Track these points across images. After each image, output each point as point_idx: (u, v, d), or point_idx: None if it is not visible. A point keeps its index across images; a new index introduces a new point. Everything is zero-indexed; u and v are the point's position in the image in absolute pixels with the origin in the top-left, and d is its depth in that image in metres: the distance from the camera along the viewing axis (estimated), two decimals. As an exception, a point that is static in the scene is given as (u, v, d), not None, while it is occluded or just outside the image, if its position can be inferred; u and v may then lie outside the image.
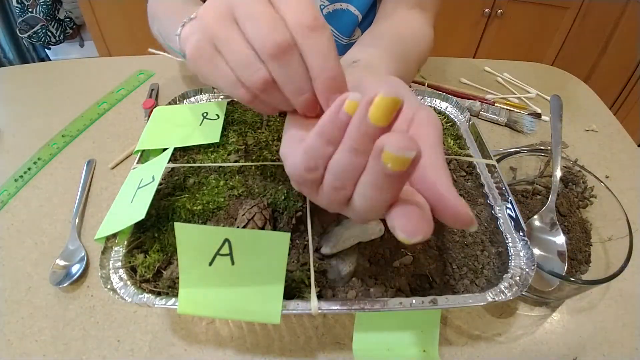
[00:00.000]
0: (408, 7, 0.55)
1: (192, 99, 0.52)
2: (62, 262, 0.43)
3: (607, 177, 0.56)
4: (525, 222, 0.39)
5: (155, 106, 0.61)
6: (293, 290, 0.34)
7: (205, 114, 0.46)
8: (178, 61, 0.75)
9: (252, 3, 0.25)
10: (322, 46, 0.25)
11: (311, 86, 0.26)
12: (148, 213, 0.34)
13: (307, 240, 0.36)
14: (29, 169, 0.54)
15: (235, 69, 0.26)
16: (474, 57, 0.84)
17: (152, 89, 0.66)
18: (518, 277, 0.34)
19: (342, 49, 0.72)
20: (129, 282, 0.33)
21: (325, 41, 0.25)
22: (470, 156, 0.46)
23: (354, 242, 0.36)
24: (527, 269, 0.35)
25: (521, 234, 0.37)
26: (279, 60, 0.25)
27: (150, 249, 0.37)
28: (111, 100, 0.66)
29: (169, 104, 0.50)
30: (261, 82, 0.26)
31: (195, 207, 0.39)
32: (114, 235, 0.36)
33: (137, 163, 0.43)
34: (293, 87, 0.26)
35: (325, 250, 0.37)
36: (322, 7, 0.66)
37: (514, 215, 0.39)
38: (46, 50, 1.93)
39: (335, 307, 0.32)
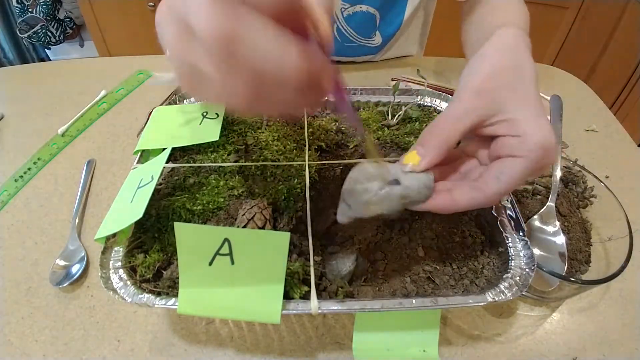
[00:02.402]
0: None
1: (192, 99, 0.52)
2: (62, 262, 0.43)
3: (607, 177, 0.56)
4: (525, 222, 0.39)
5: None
6: (293, 290, 0.34)
7: (205, 114, 0.46)
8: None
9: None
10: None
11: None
12: (148, 213, 0.34)
13: (308, 240, 0.36)
14: (29, 168, 0.54)
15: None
16: (474, 57, 0.84)
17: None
18: (518, 277, 0.34)
19: (359, 48, 0.73)
20: (129, 282, 0.33)
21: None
22: (470, 156, 0.46)
23: (376, 212, 0.30)
24: (527, 269, 0.35)
25: (521, 234, 0.37)
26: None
27: (150, 249, 0.37)
28: (111, 100, 0.66)
29: (169, 104, 0.50)
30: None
31: (195, 207, 0.39)
32: (114, 235, 0.36)
33: (137, 163, 0.43)
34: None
35: (341, 218, 0.32)
36: (342, 9, 0.67)
37: (514, 215, 0.39)
38: (46, 50, 1.93)
39: (335, 307, 0.32)
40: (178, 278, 0.32)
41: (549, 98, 0.68)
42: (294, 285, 0.33)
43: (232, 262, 0.30)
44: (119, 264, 0.35)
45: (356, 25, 0.69)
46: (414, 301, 0.32)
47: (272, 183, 0.41)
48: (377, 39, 0.73)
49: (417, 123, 0.49)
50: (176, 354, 0.37)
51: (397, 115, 0.50)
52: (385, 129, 0.49)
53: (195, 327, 0.39)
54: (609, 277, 0.37)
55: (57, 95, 0.67)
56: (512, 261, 0.36)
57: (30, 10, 1.64)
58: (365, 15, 0.68)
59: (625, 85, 1.58)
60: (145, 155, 0.44)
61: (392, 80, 0.72)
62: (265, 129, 0.47)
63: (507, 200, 0.40)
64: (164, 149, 0.42)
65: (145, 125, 0.47)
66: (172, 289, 0.34)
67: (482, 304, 0.33)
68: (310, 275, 0.33)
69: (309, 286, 0.33)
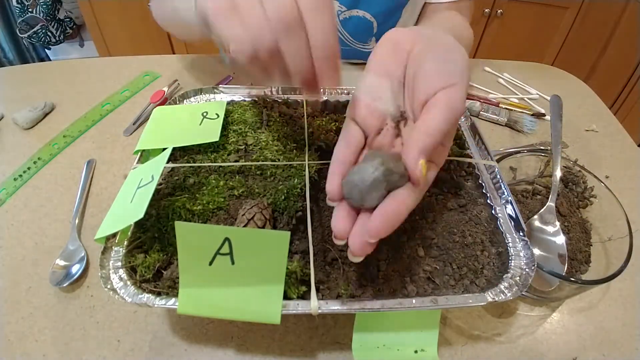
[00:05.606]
0: (448, 9, 0.65)
1: (192, 99, 0.52)
2: (62, 262, 0.43)
3: (607, 177, 0.56)
4: (525, 222, 0.39)
5: (163, 102, 0.61)
6: (291, 290, 0.34)
7: (205, 114, 0.46)
8: (183, 62, 0.75)
9: None
10: (324, 24, 0.28)
11: (310, 61, 0.29)
12: (148, 213, 0.34)
13: (308, 240, 0.36)
14: (29, 168, 0.54)
15: (249, 31, 0.29)
16: (474, 57, 0.84)
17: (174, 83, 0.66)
18: (518, 277, 0.34)
19: (355, 53, 0.73)
20: (129, 282, 0.33)
21: (327, 19, 0.28)
22: (470, 156, 0.46)
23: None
24: (527, 269, 0.35)
25: (521, 234, 0.37)
26: (286, 34, 0.28)
27: (150, 249, 0.37)
28: (115, 101, 0.65)
29: (169, 104, 0.50)
30: (267, 49, 0.29)
31: (195, 207, 0.39)
32: (114, 235, 0.36)
33: (137, 163, 0.43)
34: (295, 59, 0.29)
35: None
36: (339, 12, 0.68)
37: (514, 215, 0.39)
38: (46, 50, 1.93)
39: (335, 307, 0.32)
40: (178, 278, 0.32)
41: (549, 98, 0.68)
42: (292, 285, 0.33)
43: (232, 262, 0.30)
44: (119, 264, 0.35)
45: (353, 30, 0.70)
46: (414, 301, 0.32)
47: (272, 183, 0.41)
48: (373, 45, 0.73)
49: (417, 123, 0.49)
50: (176, 354, 0.37)
51: (397, 115, 0.50)
52: (385, 129, 0.49)
53: (195, 327, 0.39)
54: (609, 277, 0.37)
55: (58, 95, 0.67)
56: (512, 261, 0.36)
57: (30, 10, 1.64)
58: (362, 21, 0.69)
59: (625, 85, 1.58)
60: (145, 155, 0.44)
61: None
62: (265, 129, 0.47)
63: (507, 200, 0.40)
64: (164, 149, 0.42)
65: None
66: (172, 289, 0.34)
67: (482, 304, 0.33)
68: (310, 276, 0.33)
69: (308, 286, 0.33)
